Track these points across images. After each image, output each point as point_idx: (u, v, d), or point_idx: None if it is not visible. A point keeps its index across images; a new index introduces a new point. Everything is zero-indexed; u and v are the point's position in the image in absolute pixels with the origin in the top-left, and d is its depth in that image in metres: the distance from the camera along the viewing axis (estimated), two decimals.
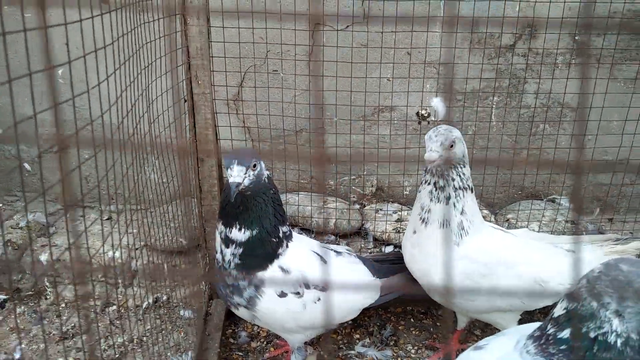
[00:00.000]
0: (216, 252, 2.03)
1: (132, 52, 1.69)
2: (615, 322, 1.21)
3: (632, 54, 2.80)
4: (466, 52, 2.78)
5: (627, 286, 1.20)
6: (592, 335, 1.23)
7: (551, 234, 2.65)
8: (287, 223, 2.06)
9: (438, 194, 1.99)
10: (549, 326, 1.31)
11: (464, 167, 1.99)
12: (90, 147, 1.27)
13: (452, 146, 1.90)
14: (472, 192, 2.03)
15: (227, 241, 1.94)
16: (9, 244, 2.76)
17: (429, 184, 2.01)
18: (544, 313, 2.38)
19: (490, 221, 2.81)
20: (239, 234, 1.92)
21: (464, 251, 2.02)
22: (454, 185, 1.98)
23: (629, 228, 2.82)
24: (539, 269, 2.06)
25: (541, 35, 2.77)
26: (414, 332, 2.62)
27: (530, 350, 1.32)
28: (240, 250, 1.93)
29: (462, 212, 2.01)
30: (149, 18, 1.84)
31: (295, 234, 2.13)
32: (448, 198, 1.98)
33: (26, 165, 2.94)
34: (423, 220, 2.04)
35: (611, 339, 1.21)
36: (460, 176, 1.98)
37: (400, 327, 2.64)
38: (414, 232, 2.09)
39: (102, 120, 1.27)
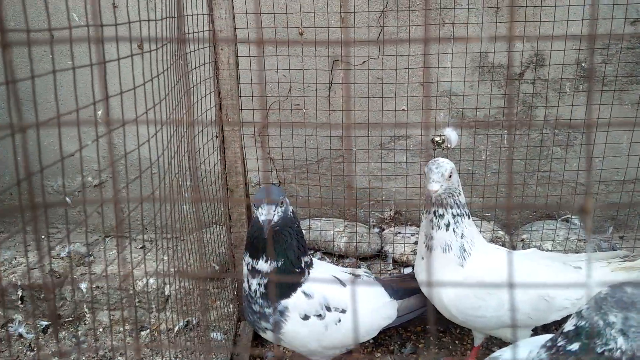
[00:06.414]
0: (243, 282, 2.16)
1: (167, 91, 1.85)
2: (620, 340, 1.32)
3: (637, 78, 2.93)
4: (476, 82, 2.94)
5: (630, 307, 1.30)
6: (598, 350, 1.34)
7: (564, 252, 2.74)
8: (309, 253, 2.19)
9: (438, 221, 2.12)
10: (559, 339, 1.43)
11: (460, 195, 2.12)
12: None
13: (450, 176, 2.04)
14: (469, 217, 2.15)
15: (254, 272, 2.06)
16: (51, 273, 2.95)
17: (429, 213, 2.14)
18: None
19: (505, 242, 2.94)
20: (265, 265, 2.05)
21: (469, 271, 2.13)
22: (452, 213, 2.10)
23: None
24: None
25: (548, 63, 2.91)
26: (433, 350, 2.72)
27: (542, 358, 1.44)
28: (266, 280, 2.05)
29: (462, 236, 2.13)
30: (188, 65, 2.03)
31: (315, 260, 2.26)
32: (448, 225, 2.11)
33: (67, 199, 3.15)
34: (428, 247, 2.17)
35: (617, 355, 1.33)
36: (457, 204, 2.10)
37: (420, 346, 2.75)
38: (422, 258, 2.23)
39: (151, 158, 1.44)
